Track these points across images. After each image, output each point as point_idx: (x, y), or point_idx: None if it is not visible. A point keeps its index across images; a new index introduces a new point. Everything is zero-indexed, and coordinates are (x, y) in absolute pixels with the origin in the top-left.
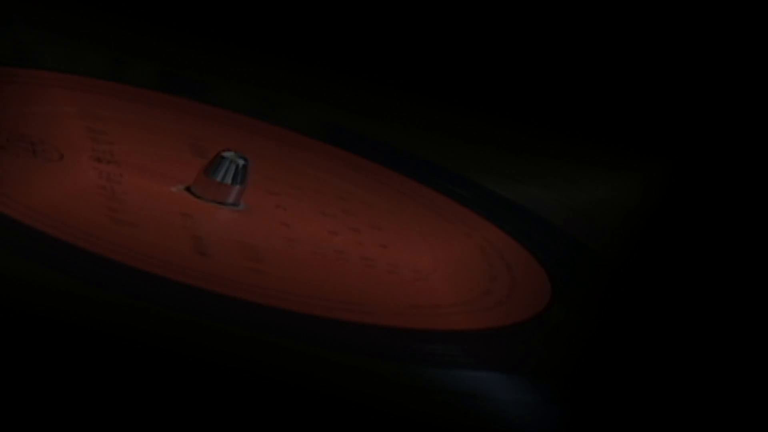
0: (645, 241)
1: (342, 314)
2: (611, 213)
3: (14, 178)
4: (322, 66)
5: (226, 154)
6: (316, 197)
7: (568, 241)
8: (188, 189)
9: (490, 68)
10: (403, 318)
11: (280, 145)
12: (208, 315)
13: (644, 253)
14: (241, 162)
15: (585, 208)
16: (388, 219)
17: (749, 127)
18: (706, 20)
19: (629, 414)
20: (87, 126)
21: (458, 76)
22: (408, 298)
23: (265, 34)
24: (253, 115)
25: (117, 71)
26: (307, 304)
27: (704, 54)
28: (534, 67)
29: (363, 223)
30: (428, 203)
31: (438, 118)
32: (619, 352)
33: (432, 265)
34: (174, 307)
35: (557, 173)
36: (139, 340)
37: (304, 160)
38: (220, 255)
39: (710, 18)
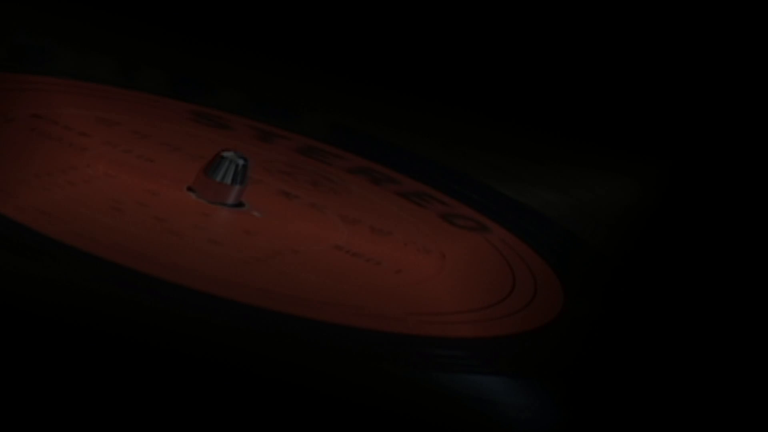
0: (653, 241)
1: (346, 319)
2: (619, 213)
3: (20, 179)
4: (329, 68)
5: (226, 153)
6: (321, 198)
7: (576, 242)
8: (189, 189)
9: (496, 72)
10: (410, 323)
11: (281, 146)
12: (209, 316)
13: (653, 254)
14: (240, 162)
15: (593, 209)
16: (394, 221)
17: (745, 129)
18: (703, 23)
19: (633, 415)
20: (94, 130)
21: (465, 80)
22: (415, 302)
23: (270, 37)
24: (255, 118)
25: (121, 77)
26: (313, 307)
27: (700, 57)
28: (542, 72)
29: (367, 224)
30: (434, 204)
31: (445, 121)
32: (626, 355)
33: (440, 270)
34: (169, 307)
35: (565, 174)
36: (135, 337)
37: (307, 161)
38: (216, 255)
39: (707, 21)
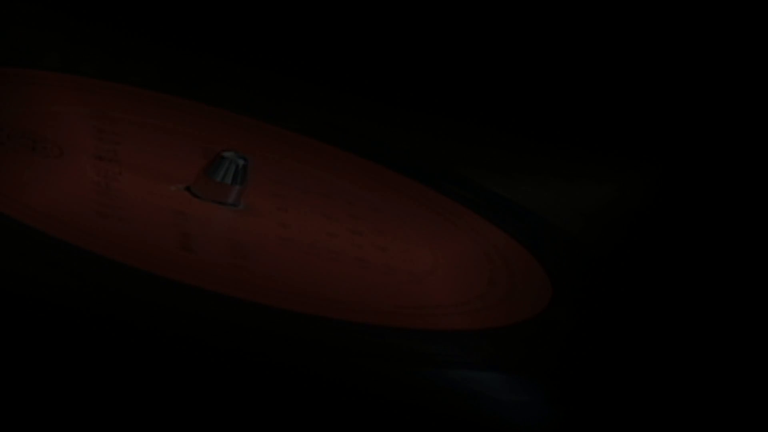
0: (642, 239)
1: (340, 314)
2: (610, 211)
3: (13, 175)
4: (327, 68)
5: (226, 154)
6: (319, 198)
7: (567, 240)
8: (188, 189)
9: (490, 72)
10: (401, 318)
11: (283, 147)
12: (202, 315)
13: (641, 251)
14: (241, 162)
15: (583, 207)
16: (388, 219)
17: (736, 130)
18: (693, 29)
19: (627, 413)
20: (91, 126)
21: (459, 80)
22: (407, 298)
23: (269, 37)
24: (256, 117)
25: (121, 73)
26: (298, 302)
27: (687, 63)
28: (534, 72)
29: (363, 224)
30: (427, 203)
31: (438, 120)
32: (617, 350)
33: (432, 265)
34: (161, 305)
35: (556, 173)
36: (128, 334)
37: (307, 161)
38: (212, 253)
39: (697, 26)
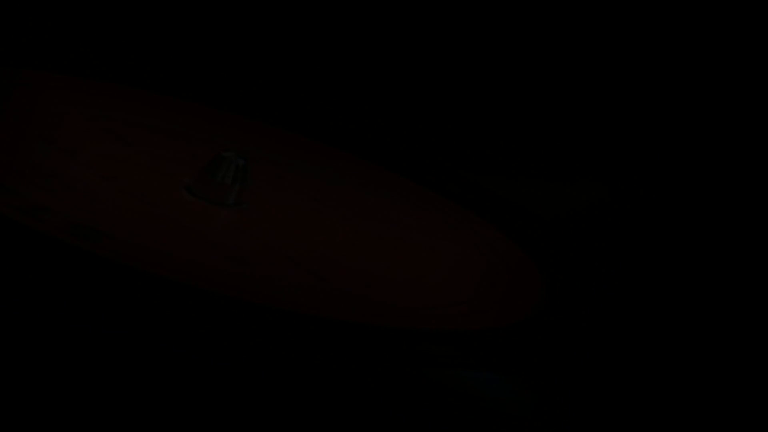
0: (641, 238)
1: (340, 315)
2: (607, 211)
3: (18, 176)
4: (322, 66)
5: (226, 154)
6: (316, 198)
7: (563, 239)
8: (188, 189)
9: (487, 73)
10: (399, 318)
11: (280, 147)
12: (204, 317)
13: (638, 251)
14: (240, 162)
15: (579, 207)
16: (385, 219)
17: (737, 130)
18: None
19: (627, 412)
20: (93, 127)
21: (457, 80)
22: (402, 298)
23: (267, 36)
24: (254, 117)
25: (122, 74)
26: (298, 303)
27: (690, 60)
28: (531, 72)
29: (359, 222)
30: (424, 202)
31: (435, 117)
32: (614, 350)
33: (428, 264)
34: (159, 305)
35: (552, 172)
36: (124, 334)
37: (305, 161)
38: (209, 256)
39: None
